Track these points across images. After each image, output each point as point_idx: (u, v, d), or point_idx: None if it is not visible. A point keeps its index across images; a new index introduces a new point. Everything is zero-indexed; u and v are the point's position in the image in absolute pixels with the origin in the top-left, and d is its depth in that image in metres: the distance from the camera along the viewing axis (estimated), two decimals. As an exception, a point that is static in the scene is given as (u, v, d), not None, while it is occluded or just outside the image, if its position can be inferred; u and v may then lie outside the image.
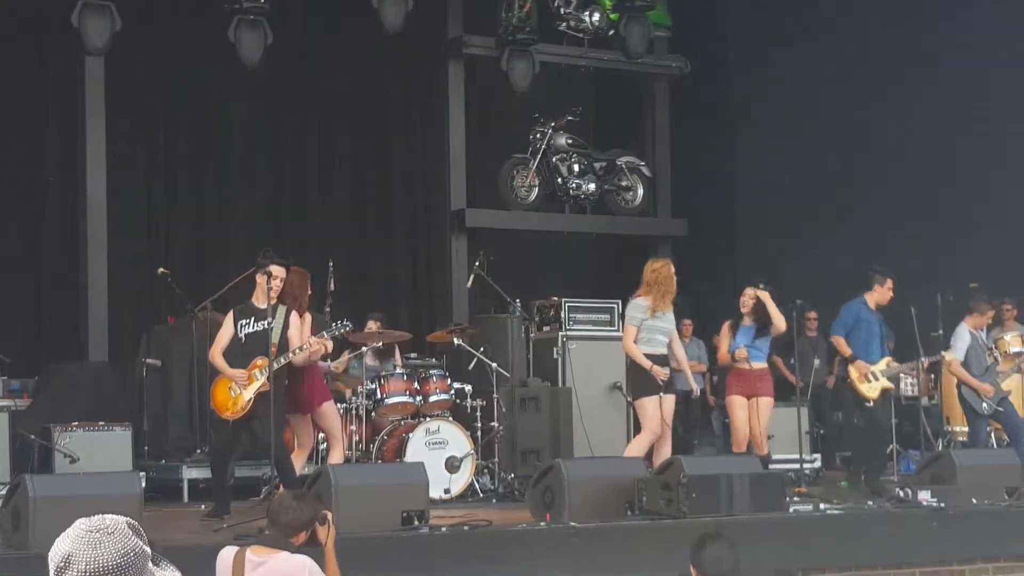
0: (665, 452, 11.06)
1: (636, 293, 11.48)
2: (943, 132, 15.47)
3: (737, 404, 11.93)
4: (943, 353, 12.96)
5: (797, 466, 12.69)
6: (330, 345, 10.90)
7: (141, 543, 3.39)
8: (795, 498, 11.04)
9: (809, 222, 16.43)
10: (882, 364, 12.50)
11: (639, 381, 11.31)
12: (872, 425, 12.54)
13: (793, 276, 13.60)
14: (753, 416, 11.87)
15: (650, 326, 11.27)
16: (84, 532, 3.37)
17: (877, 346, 12.50)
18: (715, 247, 17.12)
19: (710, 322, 13.58)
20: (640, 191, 16.64)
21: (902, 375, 14.15)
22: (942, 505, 10.41)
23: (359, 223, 16.44)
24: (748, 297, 12.04)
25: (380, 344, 12.72)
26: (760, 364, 11.98)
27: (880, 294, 12.51)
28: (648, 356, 11.21)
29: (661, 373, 11.21)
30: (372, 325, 12.87)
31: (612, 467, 10.40)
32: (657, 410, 11.13)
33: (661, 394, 11.12)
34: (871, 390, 12.38)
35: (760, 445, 11.88)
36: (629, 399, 12.05)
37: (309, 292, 11.02)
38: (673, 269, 11.52)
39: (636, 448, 11.17)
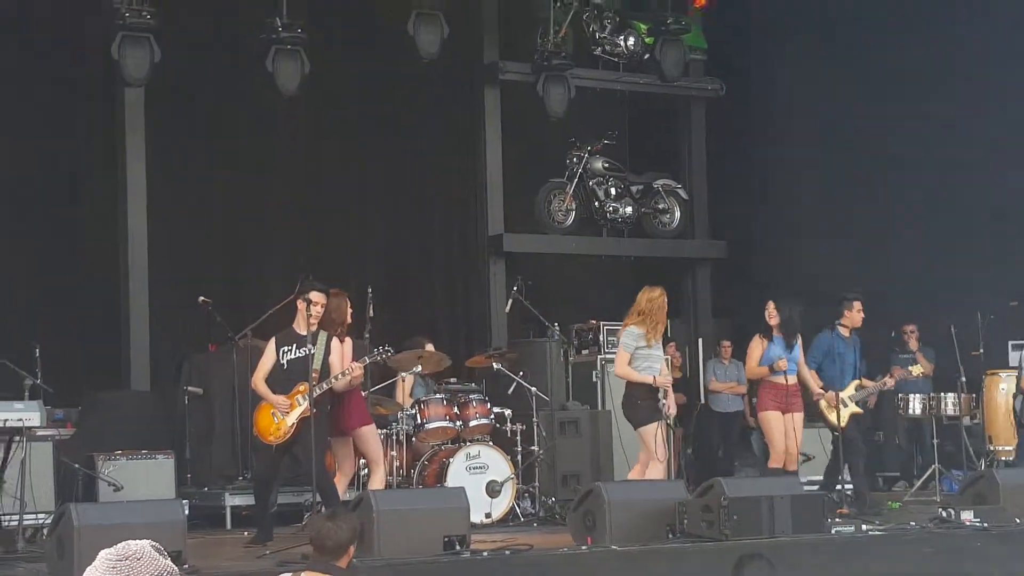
0: (657, 471, 10.96)
1: (628, 320, 11.38)
2: (984, 148, 15.37)
3: (774, 418, 11.89)
4: (910, 368, 13.19)
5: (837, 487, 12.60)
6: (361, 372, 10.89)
7: (169, 562, 3.40)
8: (836, 519, 10.99)
9: (848, 242, 16.36)
10: (850, 389, 12.55)
11: (639, 409, 11.16)
12: (847, 450, 12.42)
13: (832, 296, 13.52)
14: (788, 432, 11.83)
15: (645, 355, 11.19)
16: (113, 561, 3.36)
17: (848, 372, 12.58)
18: (754, 268, 17.04)
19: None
20: (677, 213, 16.65)
21: (938, 397, 14.10)
22: (985, 525, 10.35)
23: (397, 249, 16.45)
24: (772, 309, 12.03)
25: (419, 369, 12.78)
26: (793, 378, 11.96)
27: (851, 318, 12.63)
28: (642, 385, 11.08)
29: (666, 382, 11.15)
30: (430, 345, 13.05)
31: (653, 490, 10.37)
32: (659, 436, 11.03)
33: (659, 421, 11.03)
34: (840, 419, 12.34)
35: (793, 462, 11.84)
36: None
37: (350, 317, 11.05)
38: (666, 299, 11.43)
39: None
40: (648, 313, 11.23)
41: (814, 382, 12.46)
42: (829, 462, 12.88)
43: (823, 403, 12.36)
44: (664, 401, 11.15)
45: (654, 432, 11.03)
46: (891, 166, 16.15)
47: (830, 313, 12.71)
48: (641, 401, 11.14)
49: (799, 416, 11.97)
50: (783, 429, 11.83)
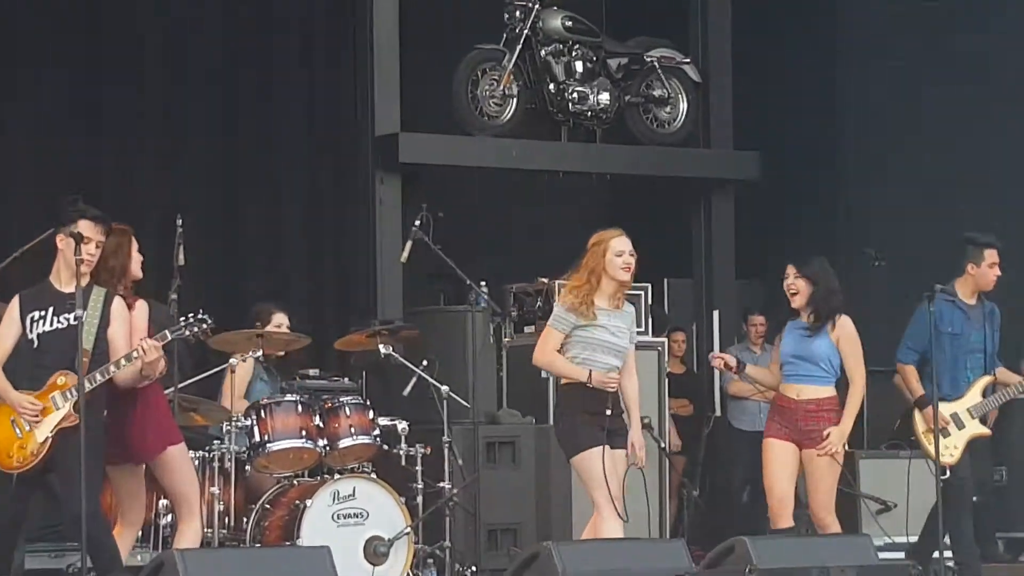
0: (609, 528, 10.89)
1: (570, 282, 11.25)
2: None
3: (773, 449, 11.67)
4: None
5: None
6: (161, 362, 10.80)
7: None
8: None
9: (949, 158, 16.45)
10: (974, 393, 12.45)
11: (571, 428, 11.11)
12: (954, 500, 12.20)
13: (925, 243, 13.60)
14: (811, 477, 11.64)
15: (586, 338, 11.08)
16: None
17: (973, 364, 12.47)
18: (804, 198, 17.24)
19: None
20: (683, 105, 16.71)
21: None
22: None
23: (225, 159, 16.58)
24: (793, 277, 11.74)
25: (260, 354, 12.80)
26: (825, 390, 11.67)
27: (979, 276, 12.51)
28: (575, 386, 11.04)
29: (605, 380, 10.94)
30: (280, 318, 13.18)
31: (635, 553, 10.36)
32: (605, 467, 10.86)
33: (607, 446, 10.92)
34: (946, 450, 12.13)
35: (824, 523, 11.65)
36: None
37: (140, 263, 10.90)
38: (622, 247, 11.06)
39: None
40: (590, 269, 11.06)
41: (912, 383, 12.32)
42: (928, 520, 12.71)
43: (919, 423, 12.28)
44: (623, 420, 11.09)
45: (592, 463, 10.89)
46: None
47: (920, 273, 12.80)
48: (571, 416, 11.09)
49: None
50: (785, 467, 11.63)
